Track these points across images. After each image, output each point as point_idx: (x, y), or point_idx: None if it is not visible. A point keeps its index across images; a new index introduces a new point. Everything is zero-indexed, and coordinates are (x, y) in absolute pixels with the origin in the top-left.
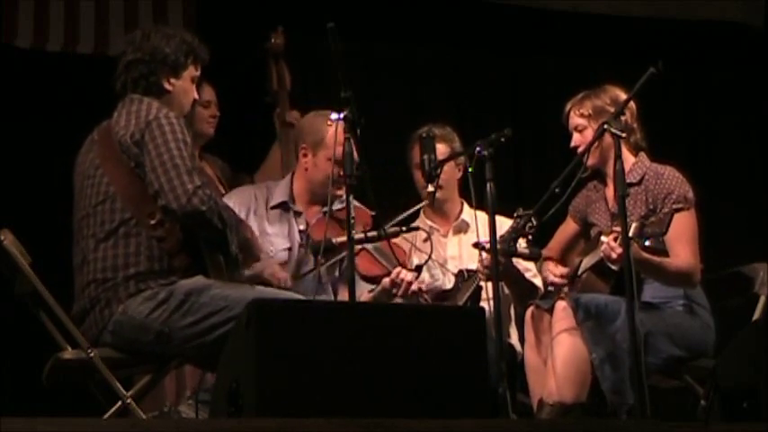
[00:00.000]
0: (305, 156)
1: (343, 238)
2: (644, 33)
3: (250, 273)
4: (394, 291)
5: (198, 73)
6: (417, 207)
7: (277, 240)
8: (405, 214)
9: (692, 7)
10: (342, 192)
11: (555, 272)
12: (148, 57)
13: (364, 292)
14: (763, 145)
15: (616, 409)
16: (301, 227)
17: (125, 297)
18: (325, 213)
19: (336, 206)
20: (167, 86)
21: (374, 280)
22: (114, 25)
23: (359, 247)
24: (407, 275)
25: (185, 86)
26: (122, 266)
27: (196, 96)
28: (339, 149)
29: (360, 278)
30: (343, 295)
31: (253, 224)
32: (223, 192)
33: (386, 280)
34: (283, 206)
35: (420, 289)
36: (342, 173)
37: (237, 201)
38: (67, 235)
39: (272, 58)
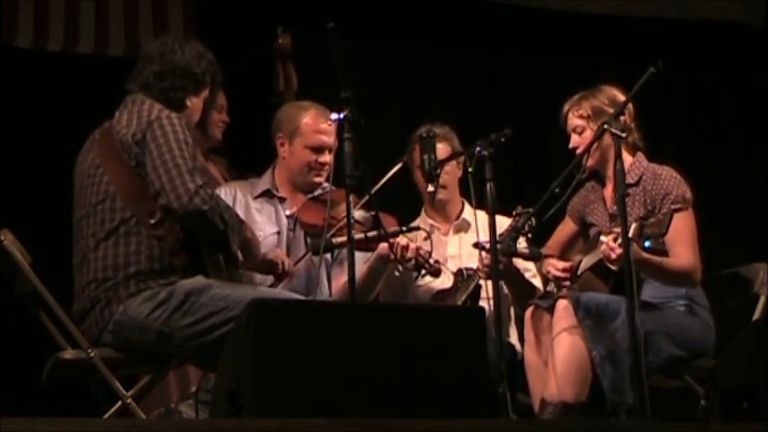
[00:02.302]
0: (282, 145)
1: (343, 238)
2: (644, 33)
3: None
4: (392, 256)
5: (208, 96)
6: (394, 170)
7: (265, 226)
8: (385, 178)
9: (692, 7)
10: (320, 178)
11: (557, 266)
12: (180, 71)
13: (359, 262)
14: (763, 145)
15: (616, 408)
16: (287, 212)
17: (125, 297)
18: (310, 199)
19: (318, 192)
20: (188, 103)
21: (368, 248)
22: (114, 25)
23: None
24: (401, 239)
25: (199, 105)
26: (123, 266)
27: (218, 135)
28: (317, 137)
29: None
30: (339, 280)
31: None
32: None
33: (382, 245)
34: (267, 194)
35: (418, 249)
36: (318, 159)
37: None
38: (67, 235)
39: (279, 58)
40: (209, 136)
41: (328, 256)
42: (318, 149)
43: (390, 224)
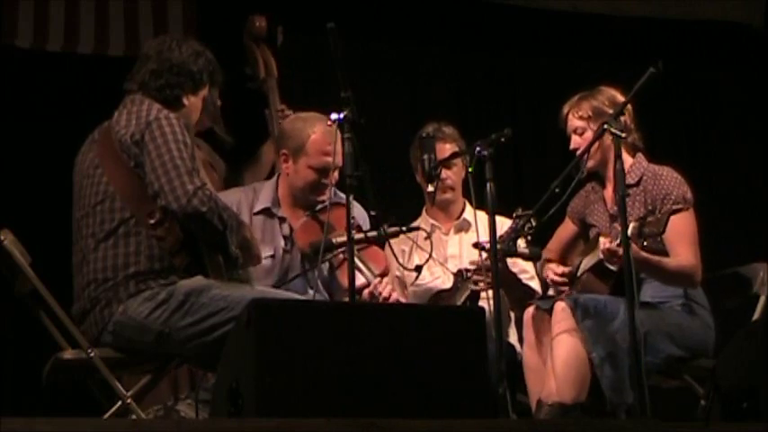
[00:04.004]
0: (285, 161)
1: (343, 238)
2: (644, 33)
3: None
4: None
5: (208, 94)
6: (417, 225)
7: (260, 247)
8: (408, 228)
9: (692, 7)
10: (323, 197)
11: (556, 271)
12: (176, 69)
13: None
14: (763, 145)
15: (615, 408)
16: (285, 232)
17: (125, 297)
18: (308, 215)
19: (319, 206)
20: (185, 101)
21: (356, 291)
22: (114, 25)
23: (342, 257)
24: (384, 289)
25: (197, 104)
26: (122, 266)
27: (210, 122)
28: (322, 159)
29: (343, 290)
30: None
31: None
32: (215, 177)
33: (365, 292)
34: (267, 212)
35: (398, 302)
36: (322, 180)
37: None
38: (67, 235)
39: (253, 42)
40: (210, 122)
41: (324, 267)
42: (323, 171)
43: (379, 258)
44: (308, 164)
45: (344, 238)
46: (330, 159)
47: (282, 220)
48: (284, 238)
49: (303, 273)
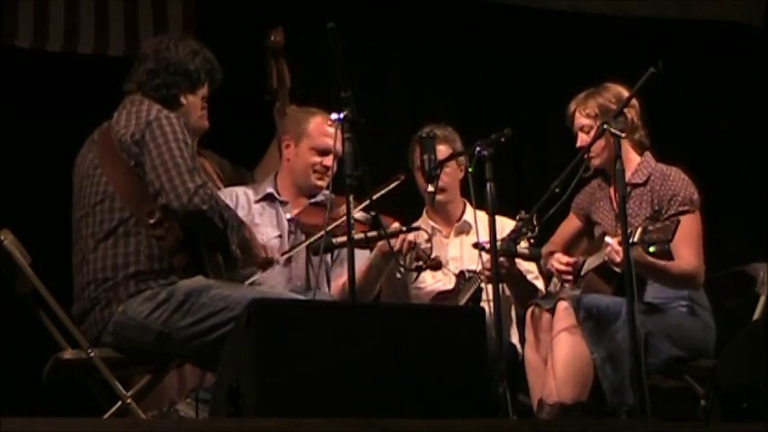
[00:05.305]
0: (287, 147)
1: (343, 238)
2: (644, 33)
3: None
4: (390, 245)
5: (207, 93)
6: (393, 184)
7: (266, 230)
8: (385, 189)
9: (692, 7)
10: (322, 182)
11: (561, 260)
12: (173, 68)
13: (360, 259)
14: (763, 145)
15: (616, 408)
16: (288, 215)
17: (125, 297)
18: (310, 204)
19: (320, 197)
20: (183, 100)
21: (368, 248)
22: (114, 25)
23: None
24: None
25: (196, 103)
26: (122, 266)
27: (205, 124)
28: (323, 140)
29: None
30: (339, 279)
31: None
32: (221, 188)
33: (381, 243)
34: (269, 197)
35: (416, 242)
36: (323, 162)
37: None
38: (67, 235)
39: (271, 55)
40: (196, 128)
41: (328, 257)
42: (324, 152)
43: (391, 224)
44: (309, 145)
45: (344, 239)
46: (330, 141)
47: (284, 203)
48: (288, 220)
49: (300, 244)
